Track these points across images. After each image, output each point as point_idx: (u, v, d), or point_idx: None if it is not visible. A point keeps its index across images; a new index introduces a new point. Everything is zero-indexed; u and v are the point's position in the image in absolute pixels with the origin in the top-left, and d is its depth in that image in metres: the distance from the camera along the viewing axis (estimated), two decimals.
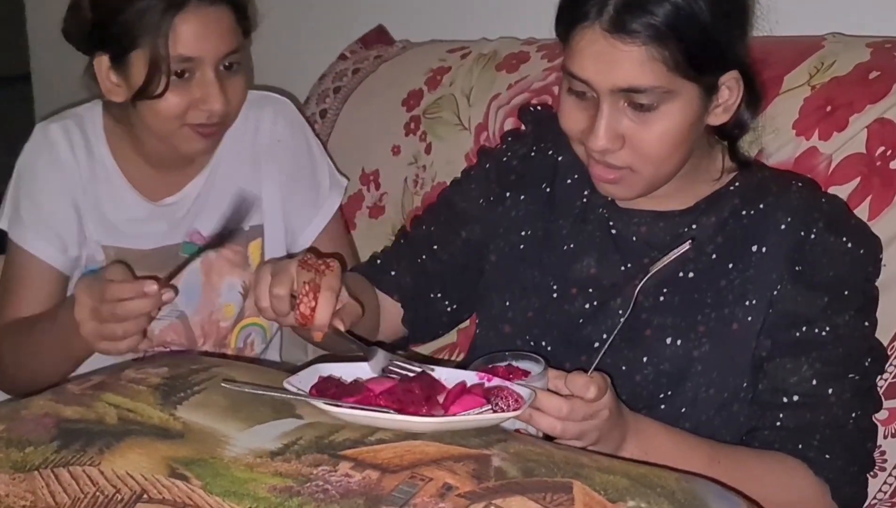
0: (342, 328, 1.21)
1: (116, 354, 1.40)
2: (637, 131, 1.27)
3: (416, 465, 0.97)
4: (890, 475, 1.41)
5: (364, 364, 1.18)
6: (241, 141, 1.70)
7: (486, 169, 1.56)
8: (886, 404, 1.39)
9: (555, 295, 1.43)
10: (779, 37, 1.54)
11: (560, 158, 1.50)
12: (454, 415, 1.05)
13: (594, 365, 1.19)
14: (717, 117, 1.32)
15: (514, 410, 1.07)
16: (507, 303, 1.45)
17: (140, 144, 1.65)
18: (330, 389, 1.06)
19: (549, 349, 1.42)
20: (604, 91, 1.26)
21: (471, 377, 1.16)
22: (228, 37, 1.56)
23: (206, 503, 0.95)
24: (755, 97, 1.36)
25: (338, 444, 1.00)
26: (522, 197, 1.50)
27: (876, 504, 1.40)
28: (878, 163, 1.49)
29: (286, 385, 1.08)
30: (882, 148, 1.49)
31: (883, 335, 1.39)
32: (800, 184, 1.40)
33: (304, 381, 1.09)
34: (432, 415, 1.04)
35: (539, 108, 1.60)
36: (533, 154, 1.52)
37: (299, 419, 1.05)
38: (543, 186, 1.50)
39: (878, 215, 1.47)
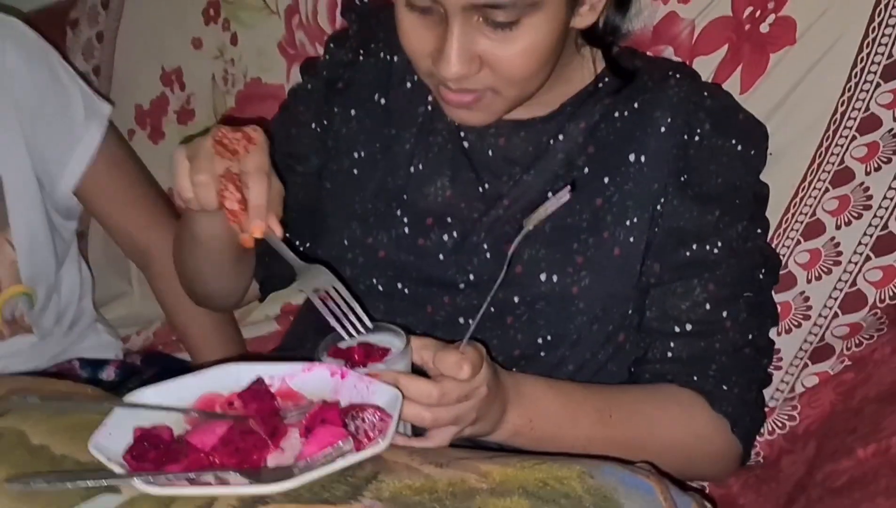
0: (278, 233, 1.03)
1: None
2: (497, 50, 1.05)
3: None
4: (787, 373, 1.31)
5: (190, 379, 0.98)
6: None
7: (309, 88, 1.32)
8: (776, 297, 1.27)
9: (406, 229, 1.22)
10: None
11: (395, 59, 1.26)
12: (309, 460, 0.85)
13: (466, 338, 1.01)
14: (583, 19, 1.11)
15: (381, 433, 0.88)
16: (346, 241, 1.24)
17: None
18: (149, 453, 0.85)
19: (406, 291, 1.22)
20: (454, 8, 1.03)
21: (323, 378, 0.97)
22: None
23: None
24: None
25: None
26: (353, 112, 1.27)
27: (775, 405, 1.30)
28: (748, 26, 1.32)
29: (92, 450, 0.86)
30: (750, 9, 1.31)
31: (772, 215, 1.26)
32: (678, 76, 1.21)
33: (115, 436, 0.88)
34: (283, 472, 0.84)
35: (365, 0, 1.35)
36: (361, 58, 1.27)
37: (117, 494, 0.83)
38: (376, 96, 1.26)
39: (751, 86, 1.32)
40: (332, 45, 1.33)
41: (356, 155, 1.26)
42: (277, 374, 0.99)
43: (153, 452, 0.85)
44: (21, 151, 1.43)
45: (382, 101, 1.26)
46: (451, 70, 1.06)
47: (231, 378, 0.98)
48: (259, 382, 0.96)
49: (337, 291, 1.04)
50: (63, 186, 1.48)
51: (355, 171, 1.25)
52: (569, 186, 1.02)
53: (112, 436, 0.88)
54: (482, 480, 0.86)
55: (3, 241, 1.45)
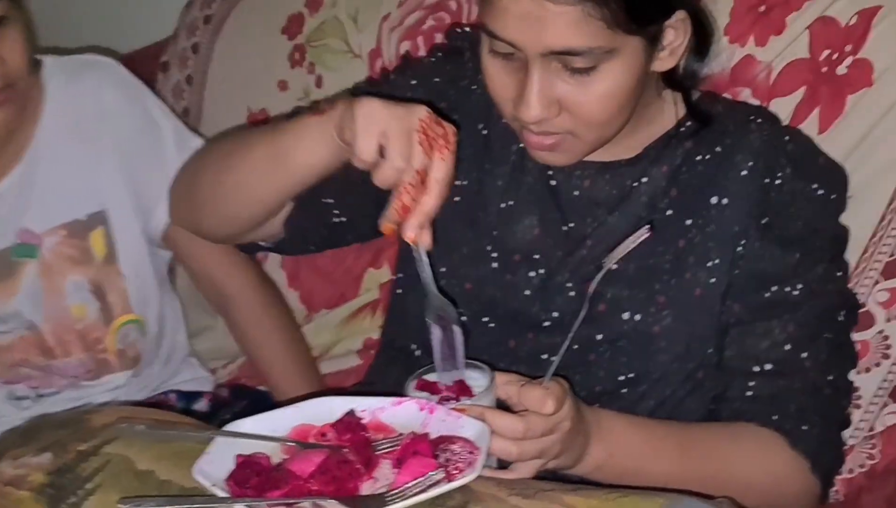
0: (428, 246, 1.05)
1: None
2: (575, 95, 1.09)
3: None
4: (866, 411, 1.31)
5: (286, 412, 1.02)
6: (61, 118, 1.47)
7: (411, 84, 1.32)
8: (855, 336, 1.28)
9: (495, 264, 1.25)
10: None
11: None
12: (404, 487, 0.89)
13: (549, 373, 1.04)
14: (663, 62, 1.14)
15: (470, 465, 0.92)
16: (444, 268, 1.26)
17: None
18: (250, 479, 0.89)
19: (491, 325, 1.26)
20: (533, 54, 1.07)
21: (412, 410, 1.01)
22: None
23: None
24: (704, 36, 1.18)
25: None
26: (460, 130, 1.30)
27: (854, 444, 1.30)
28: (825, 69, 1.34)
29: (198, 477, 0.90)
30: (828, 51, 1.34)
31: (851, 254, 1.27)
32: (759, 120, 1.23)
33: (218, 463, 0.92)
34: (377, 500, 0.87)
35: (471, 30, 1.36)
36: (474, 86, 1.28)
37: None
38: (480, 126, 1.29)
39: (828, 127, 1.34)
40: (439, 53, 1.34)
41: (458, 182, 1.26)
42: (369, 407, 1.02)
43: (255, 478, 0.89)
44: (122, 186, 1.50)
45: (485, 132, 1.29)
46: (532, 114, 1.09)
47: (324, 410, 1.02)
48: (351, 413, 1.00)
49: (453, 331, 1.07)
50: (156, 220, 1.54)
51: (457, 199, 1.26)
52: (648, 226, 1.05)
53: (214, 463, 0.92)
54: None
55: (114, 272, 1.52)
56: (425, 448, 0.92)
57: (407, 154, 1.03)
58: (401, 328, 1.34)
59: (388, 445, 0.97)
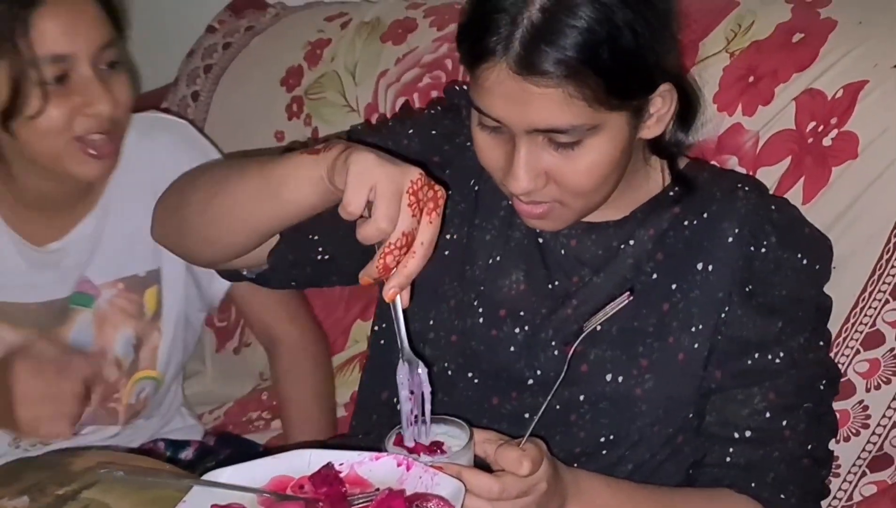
0: (405, 305, 1.05)
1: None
2: (561, 168, 1.11)
3: None
4: (845, 480, 1.32)
5: (263, 463, 1.02)
6: (135, 174, 1.48)
7: (408, 133, 1.33)
8: (835, 405, 1.29)
9: (481, 319, 1.27)
10: None
11: None
12: None
13: (526, 436, 1.05)
14: (650, 130, 1.16)
15: None
16: (433, 321, 1.28)
17: (14, 182, 1.43)
18: None
19: (475, 381, 1.27)
20: (519, 131, 1.09)
21: (390, 467, 1.01)
22: (101, 27, 1.36)
23: None
24: (690, 105, 1.20)
25: None
26: (450, 191, 1.31)
27: None
28: (810, 140, 1.36)
29: None
30: (813, 123, 1.36)
31: (832, 323, 1.29)
32: (746, 188, 1.24)
33: None
34: None
35: (468, 87, 1.39)
36: (469, 143, 1.26)
37: None
38: (472, 182, 1.31)
39: (812, 197, 1.36)
40: (438, 107, 1.36)
41: (448, 236, 1.29)
42: (346, 461, 1.03)
43: None
44: None
45: (476, 188, 1.30)
46: (520, 187, 1.12)
47: (302, 462, 1.02)
48: (329, 466, 1.00)
49: (423, 395, 1.07)
50: (218, 284, 1.56)
51: (447, 252, 1.28)
52: (628, 292, 1.06)
53: None
54: None
55: (156, 328, 1.54)
56: (400, 504, 0.93)
57: (393, 217, 1.02)
58: (380, 378, 1.35)
59: (364, 500, 0.98)
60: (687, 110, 1.20)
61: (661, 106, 1.14)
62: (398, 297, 1.05)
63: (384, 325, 1.36)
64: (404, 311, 1.07)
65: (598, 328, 1.20)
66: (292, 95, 1.81)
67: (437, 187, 1.05)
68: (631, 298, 1.06)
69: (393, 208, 1.02)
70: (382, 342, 1.36)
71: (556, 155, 1.10)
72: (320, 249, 1.31)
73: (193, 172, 1.38)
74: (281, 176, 1.16)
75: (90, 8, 1.35)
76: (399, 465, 1.02)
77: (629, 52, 1.06)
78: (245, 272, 1.35)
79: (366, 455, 1.04)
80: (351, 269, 1.13)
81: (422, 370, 1.07)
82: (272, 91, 1.84)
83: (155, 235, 1.41)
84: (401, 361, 1.08)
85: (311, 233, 1.28)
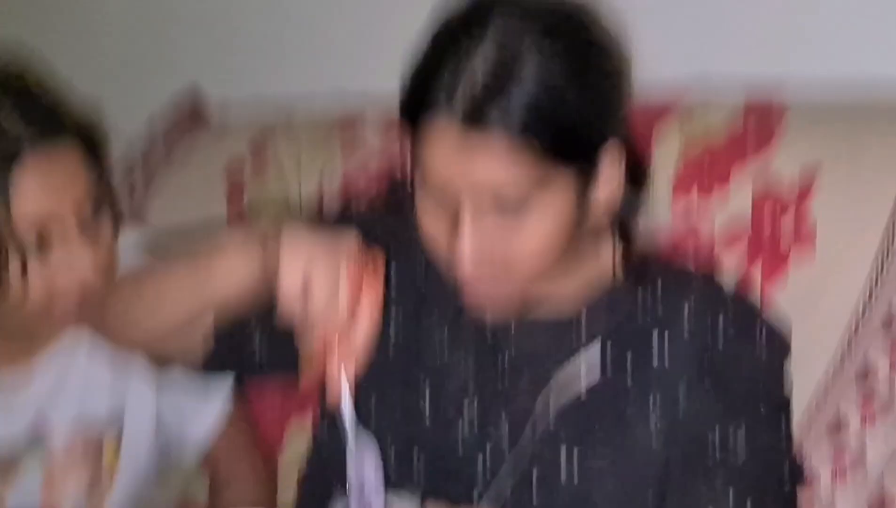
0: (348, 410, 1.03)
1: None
2: (508, 239, 1.07)
3: None
4: None
5: None
6: None
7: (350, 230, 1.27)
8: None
9: (428, 422, 1.20)
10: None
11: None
12: None
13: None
14: (601, 191, 1.12)
15: None
16: (384, 427, 1.20)
17: None
18: None
19: (427, 482, 1.19)
20: (464, 193, 1.05)
21: None
22: (84, 175, 1.28)
23: None
24: (638, 164, 1.18)
25: None
26: (393, 294, 1.24)
27: None
28: (768, 228, 1.33)
29: None
30: (771, 207, 1.33)
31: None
32: (701, 282, 1.21)
33: None
34: None
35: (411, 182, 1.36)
36: (413, 242, 1.20)
37: None
38: (418, 284, 1.25)
39: (770, 284, 1.32)
40: (381, 208, 1.32)
41: (393, 341, 1.23)
42: None
43: None
44: (148, 393, 1.42)
45: (423, 290, 1.25)
46: (467, 269, 1.08)
47: None
48: None
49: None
50: (191, 439, 1.48)
51: (392, 355, 1.22)
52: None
53: None
54: None
55: (108, 480, 1.42)
56: None
57: (330, 295, 1.01)
58: (322, 467, 1.27)
59: None
60: (637, 169, 1.17)
61: (611, 166, 1.11)
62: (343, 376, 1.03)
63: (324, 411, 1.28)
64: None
65: (552, 428, 1.16)
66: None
67: (374, 251, 1.05)
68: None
69: (329, 285, 1.02)
70: (326, 438, 1.27)
71: (500, 220, 1.06)
72: (256, 354, 1.26)
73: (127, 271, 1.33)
74: (212, 259, 1.14)
75: (74, 155, 1.27)
76: None
77: (575, 109, 1.04)
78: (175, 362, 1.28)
79: None
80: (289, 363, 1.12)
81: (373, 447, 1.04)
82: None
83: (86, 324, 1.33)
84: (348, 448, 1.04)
85: (245, 320, 1.23)
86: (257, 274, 1.09)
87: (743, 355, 1.16)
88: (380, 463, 1.03)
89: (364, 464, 1.03)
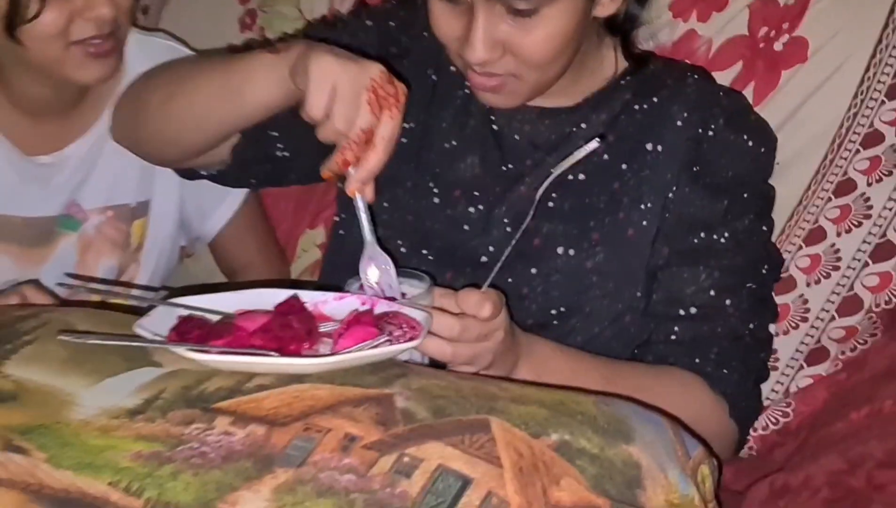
0: (370, 200, 1.07)
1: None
2: (518, 38, 1.13)
3: (308, 414, 0.82)
4: (782, 373, 1.36)
5: (228, 296, 1.02)
6: None
7: (366, 26, 1.35)
8: (777, 299, 1.33)
9: (436, 199, 1.29)
10: None
11: None
12: (345, 351, 0.90)
13: (488, 282, 1.06)
14: (605, 8, 1.19)
15: (412, 338, 0.93)
16: (386, 204, 1.28)
17: (11, 87, 1.39)
18: (192, 332, 0.89)
19: (430, 258, 1.28)
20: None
21: (353, 303, 1.02)
22: None
23: (55, 479, 0.78)
24: None
25: (210, 395, 0.84)
26: (411, 88, 1.32)
27: (770, 404, 1.35)
28: (762, 45, 1.40)
29: (138, 330, 0.90)
30: (765, 29, 1.40)
31: (777, 220, 1.33)
32: (696, 76, 1.29)
33: (158, 323, 0.92)
34: (319, 354, 0.89)
35: None
36: (425, 33, 1.29)
37: (158, 367, 0.88)
38: (429, 72, 1.33)
39: (762, 99, 1.40)
40: (395, 2, 1.37)
41: (405, 125, 1.25)
42: (310, 299, 1.03)
43: (196, 331, 0.89)
44: (173, 184, 1.49)
45: (433, 78, 1.32)
46: (476, 56, 1.13)
47: (266, 297, 1.02)
48: (294, 298, 1.00)
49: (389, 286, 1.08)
50: (209, 227, 1.58)
51: (404, 139, 1.27)
52: (597, 138, 1.09)
53: (155, 322, 0.93)
54: (503, 391, 0.91)
55: (135, 260, 1.52)
56: (369, 320, 0.94)
57: (351, 117, 1.04)
58: (339, 268, 1.35)
59: (331, 328, 0.98)
60: None
61: None
62: (361, 193, 1.06)
63: (344, 216, 1.37)
64: (369, 206, 1.08)
65: (551, 204, 1.24)
66: (246, 7, 1.80)
67: (398, 84, 1.07)
68: (600, 144, 1.08)
69: (351, 107, 1.04)
70: (342, 232, 1.37)
71: (513, 24, 1.12)
72: (280, 145, 1.31)
73: (152, 71, 1.38)
74: (243, 75, 1.17)
75: None
76: (363, 304, 1.03)
77: None
78: (203, 172, 1.35)
79: (329, 295, 1.04)
80: (310, 167, 1.14)
81: (389, 266, 1.08)
82: (225, 4, 1.82)
83: (114, 135, 1.40)
84: (364, 257, 1.08)
85: (271, 130, 1.28)
86: (285, 92, 1.13)
87: (732, 142, 1.25)
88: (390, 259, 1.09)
89: (377, 256, 1.08)
